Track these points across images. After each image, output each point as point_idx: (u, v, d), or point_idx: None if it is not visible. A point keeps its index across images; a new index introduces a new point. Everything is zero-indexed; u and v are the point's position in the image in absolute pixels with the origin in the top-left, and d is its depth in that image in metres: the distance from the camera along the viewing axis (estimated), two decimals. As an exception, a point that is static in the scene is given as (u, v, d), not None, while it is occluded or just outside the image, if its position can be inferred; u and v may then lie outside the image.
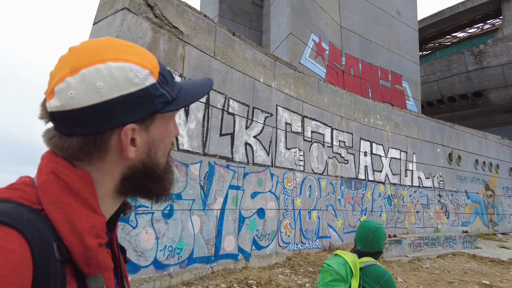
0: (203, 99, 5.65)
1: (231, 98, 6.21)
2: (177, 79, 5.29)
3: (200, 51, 5.74)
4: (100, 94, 0.51)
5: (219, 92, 5.98)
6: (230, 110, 6.18)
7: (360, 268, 1.84)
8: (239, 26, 15.31)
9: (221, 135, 5.91)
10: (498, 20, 21.00)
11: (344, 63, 11.79)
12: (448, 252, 9.36)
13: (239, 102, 6.39)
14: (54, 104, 0.51)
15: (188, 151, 5.27)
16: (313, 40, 10.44)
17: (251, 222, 6.40)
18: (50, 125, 0.55)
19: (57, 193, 0.51)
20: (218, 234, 5.71)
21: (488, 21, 23.17)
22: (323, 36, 10.95)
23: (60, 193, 0.51)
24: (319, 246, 8.04)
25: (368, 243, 1.93)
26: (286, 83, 7.77)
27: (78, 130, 0.53)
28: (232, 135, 6.16)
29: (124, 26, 4.59)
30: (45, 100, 0.54)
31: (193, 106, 5.45)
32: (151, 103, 0.56)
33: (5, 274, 0.41)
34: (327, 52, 11.01)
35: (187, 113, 5.34)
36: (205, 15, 6.01)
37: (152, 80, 0.55)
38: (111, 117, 0.52)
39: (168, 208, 4.91)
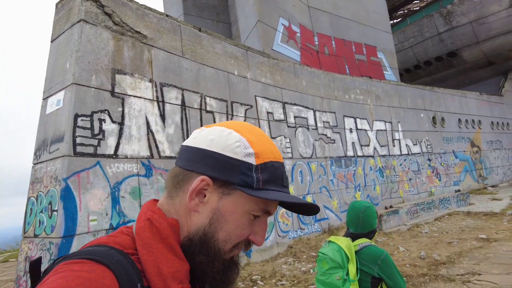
0: (178, 101, 5.51)
1: (207, 96, 6.08)
2: (148, 84, 5.13)
3: (168, 52, 5.57)
4: (208, 144, 0.61)
5: (193, 92, 5.83)
6: (208, 108, 6.05)
7: (356, 251, 1.79)
8: (207, 21, 15.00)
9: (202, 135, 5.79)
10: (462, -22, 21.14)
11: (317, 43, 11.70)
12: (444, 214, 9.54)
13: (216, 98, 6.27)
14: (187, 141, 0.66)
15: (170, 157, 5.15)
16: (282, 24, 10.29)
17: (247, 217, 6.34)
18: None
19: (149, 237, 0.57)
20: (215, 235, 5.64)
21: (452, -19, 23.31)
22: (292, 18, 10.81)
23: (151, 238, 0.57)
24: (319, 229, 8.07)
25: (360, 224, 1.88)
26: (262, 72, 7.66)
27: (180, 161, 0.64)
28: (214, 133, 6.04)
29: (83, 39, 4.39)
30: None
31: (168, 110, 5.31)
32: (234, 175, 0.59)
33: None
34: (298, 34, 10.89)
35: (163, 118, 5.20)
36: (167, 15, 5.82)
37: (251, 160, 0.60)
38: (200, 163, 0.60)
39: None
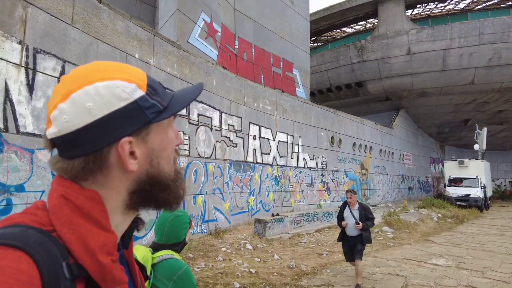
0: (55, 73, 4.83)
1: (96, 74, 5.48)
2: (16, 46, 4.38)
3: (52, 16, 4.86)
4: (91, 113, 0.53)
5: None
6: (94, 88, 5.45)
7: (154, 264, 1.61)
8: (129, -2, 13.92)
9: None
10: (377, 19, 23.76)
11: (237, 47, 11.74)
12: (325, 226, 10.33)
13: (107, 79, 5.70)
14: (52, 131, 0.54)
15: (33, 134, 4.46)
16: (203, 19, 10.05)
17: (123, 212, 5.88)
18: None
19: (67, 215, 0.53)
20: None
21: (369, 20, 26.06)
22: (215, 16, 10.65)
23: (70, 215, 0.53)
24: (205, 231, 7.96)
25: (165, 234, 1.70)
26: (168, 62, 7.29)
27: (78, 151, 0.55)
28: (97, 116, 5.47)
29: None
30: (45, 130, 0.56)
31: (40, 80, 4.61)
32: (143, 115, 0.57)
33: None
34: (219, 33, 10.78)
35: (31, 89, 4.49)
36: (59, -26, 5.09)
37: (140, 93, 0.57)
38: (106, 134, 0.54)
39: (4, 202, 4.09)
